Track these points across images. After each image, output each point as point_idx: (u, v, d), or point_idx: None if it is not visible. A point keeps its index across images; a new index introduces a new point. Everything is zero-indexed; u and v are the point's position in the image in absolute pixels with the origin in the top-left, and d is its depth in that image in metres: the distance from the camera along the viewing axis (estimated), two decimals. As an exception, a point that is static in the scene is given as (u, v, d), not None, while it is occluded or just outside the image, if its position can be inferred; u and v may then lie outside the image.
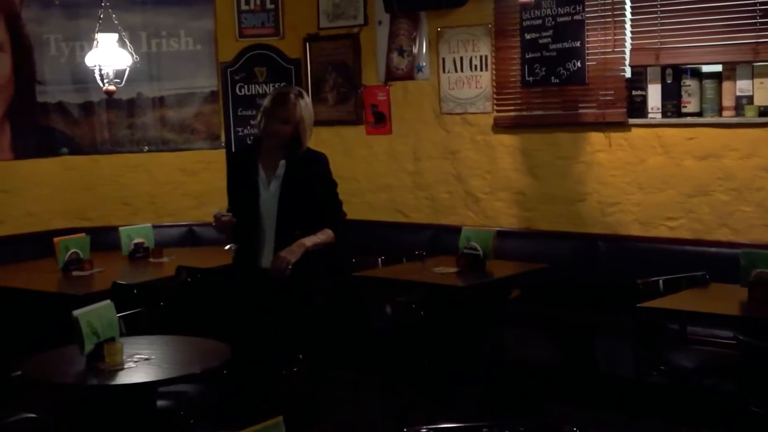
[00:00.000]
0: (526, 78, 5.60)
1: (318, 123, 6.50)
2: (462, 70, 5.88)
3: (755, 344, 3.73)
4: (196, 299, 4.67)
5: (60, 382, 3.31)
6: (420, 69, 6.07)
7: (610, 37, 5.25)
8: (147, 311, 3.97)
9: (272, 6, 6.50)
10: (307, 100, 3.95)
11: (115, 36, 5.20)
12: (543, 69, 5.51)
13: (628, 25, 5.21)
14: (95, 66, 5.17)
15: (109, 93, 5.23)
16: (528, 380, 5.03)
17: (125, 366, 3.28)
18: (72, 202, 6.41)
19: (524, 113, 5.67)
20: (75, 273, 5.11)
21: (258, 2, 6.49)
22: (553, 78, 5.47)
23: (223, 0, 6.46)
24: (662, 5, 5.06)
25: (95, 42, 5.18)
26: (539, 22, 5.50)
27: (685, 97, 5.05)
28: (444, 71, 5.96)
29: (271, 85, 6.50)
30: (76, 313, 3.28)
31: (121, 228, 5.58)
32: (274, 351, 3.86)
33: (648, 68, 5.15)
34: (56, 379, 3.31)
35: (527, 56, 5.58)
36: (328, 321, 5.61)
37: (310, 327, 4.01)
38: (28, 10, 6.18)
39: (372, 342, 5.32)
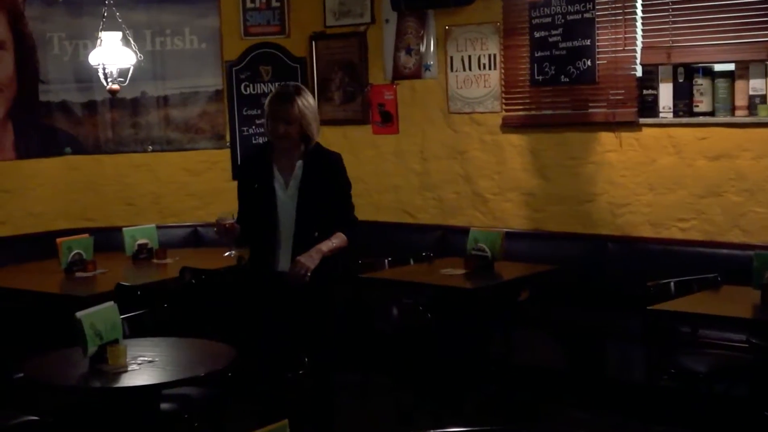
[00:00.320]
0: (536, 77, 5.59)
1: (324, 122, 6.50)
2: (470, 69, 5.88)
3: (768, 348, 3.72)
4: (200, 301, 4.68)
5: (62, 385, 3.32)
6: (427, 68, 6.07)
7: (620, 36, 5.24)
8: (151, 313, 3.98)
9: (278, 4, 6.51)
10: (307, 95, 3.88)
11: (119, 34, 5.22)
12: (552, 68, 5.50)
13: (639, 23, 5.20)
14: (99, 65, 5.19)
15: (112, 92, 5.25)
16: (536, 383, 5.03)
17: (128, 368, 3.28)
18: (75, 202, 6.43)
19: (533, 113, 5.66)
20: (78, 274, 5.12)
21: (263, 0, 6.50)
22: (562, 77, 5.47)
23: (228, -2, 6.48)
24: (674, 3, 5.05)
25: (99, 40, 5.19)
26: (549, 20, 5.49)
27: (697, 97, 5.04)
28: (452, 70, 5.96)
29: (276, 84, 6.50)
30: (79, 314, 3.29)
31: (124, 229, 5.59)
32: (282, 354, 3.85)
33: (659, 67, 5.14)
34: (59, 382, 3.31)
35: (536, 55, 5.57)
36: (337, 324, 5.61)
37: (328, 332, 3.99)
38: (31, 8, 6.19)
39: (378, 344, 5.32)
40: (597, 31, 5.30)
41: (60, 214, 6.34)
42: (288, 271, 3.85)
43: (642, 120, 5.22)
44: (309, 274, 3.82)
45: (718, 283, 4.33)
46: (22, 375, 3.39)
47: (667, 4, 5.07)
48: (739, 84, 4.91)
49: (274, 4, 6.50)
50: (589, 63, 5.35)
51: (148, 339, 3.67)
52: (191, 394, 3.70)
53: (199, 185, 6.50)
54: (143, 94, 6.42)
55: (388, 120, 6.29)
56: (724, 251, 4.95)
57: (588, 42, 5.34)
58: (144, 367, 3.30)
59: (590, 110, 5.41)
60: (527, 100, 5.68)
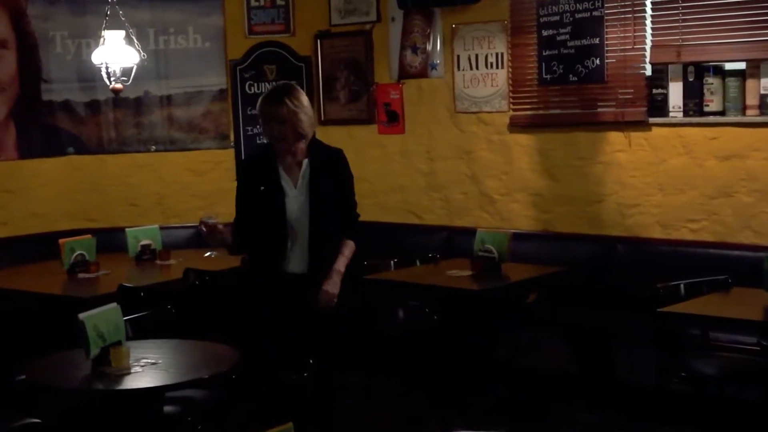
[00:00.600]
0: (544, 76, 5.59)
1: (329, 122, 6.57)
2: (477, 68, 5.87)
3: (780, 350, 3.71)
4: (204, 302, 4.68)
5: (65, 387, 3.32)
6: (434, 67, 6.07)
7: (630, 34, 5.23)
8: (154, 314, 3.99)
9: (283, 2, 6.51)
10: (298, 93, 3.86)
11: (122, 33, 5.22)
12: (561, 67, 5.50)
13: (648, 22, 5.19)
14: (102, 64, 5.19)
15: (115, 91, 5.25)
16: (544, 386, 5.03)
17: (132, 370, 3.28)
18: (78, 202, 6.44)
19: (541, 112, 5.66)
20: (81, 275, 5.13)
21: (268, -2, 6.51)
22: (571, 76, 5.46)
23: (232, -4, 6.49)
24: (684, 0, 5.04)
25: (102, 39, 5.20)
26: (557, 18, 5.49)
27: (707, 96, 5.03)
28: (459, 69, 5.95)
29: (281, 83, 6.51)
30: (81, 316, 3.29)
31: (127, 229, 5.60)
32: (288, 356, 3.85)
33: (669, 66, 5.13)
34: (61, 384, 3.32)
35: (544, 53, 5.57)
36: (341, 326, 5.61)
37: (333, 335, 3.98)
38: (34, 7, 6.21)
39: (384, 347, 5.32)
40: (606, 30, 5.30)
41: (62, 215, 6.36)
42: (318, 301, 3.86)
43: (651, 119, 5.21)
44: (336, 299, 3.89)
45: (728, 285, 4.32)
46: (24, 377, 3.39)
47: (676, 1, 5.06)
48: (750, 83, 4.90)
49: (279, 2, 6.51)
50: (597, 62, 5.35)
51: (151, 341, 3.67)
52: (195, 396, 3.71)
53: (202, 185, 6.51)
54: (146, 94, 6.44)
55: (393, 119, 6.29)
56: (735, 253, 4.94)
57: (597, 40, 5.33)
58: (147, 370, 3.31)
59: (599, 110, 5.41)
60: (535, 100, 5.68)
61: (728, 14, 4.91)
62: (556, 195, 5.63)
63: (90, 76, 6.08)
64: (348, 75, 6.44)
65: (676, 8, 5.07)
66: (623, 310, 4.97)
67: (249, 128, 6.52)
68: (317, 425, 3.96)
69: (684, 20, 5.05)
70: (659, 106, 5.20)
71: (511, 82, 5.75)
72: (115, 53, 5.18)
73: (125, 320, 3.49)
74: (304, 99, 3.87)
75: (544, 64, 5.57)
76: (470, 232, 5.23)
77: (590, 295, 5.21)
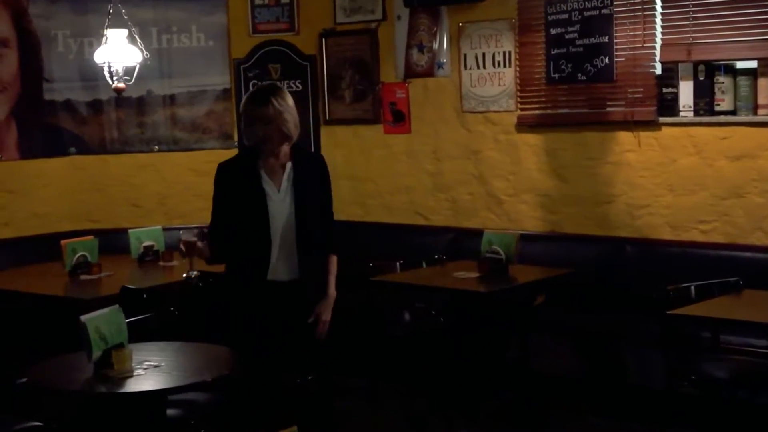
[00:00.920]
0: (552, 75, 5.58)
1: (334, 121, 6.58)
2: (484, 67, 5.87)
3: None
4: (207, 304, 4.69)
5: (67, 390, 3.33)
6: (440, 65, 6.07)
7: (639, 32, 5.23)
8: (157, 316, 3.99)
9: (287, 0, 6.52)
10: (283, 94, 3.79)
11: (124, 32, 5.23)
12: (569, 65, 5.49)
13: (658, 20, 5.18)
14: (104, 63, 5.20)
15: (118, 91, 5.26)
16: (552, 390, 5.02)
17: (134, 373, 3.29)
18: (80, 203, 6.45)
19: (549, 111, 5.65)
20: (83, 277, 5.14)
21: (272, -4, 6.52)
22: (579, 75, 5.46)
23: (236, -6, 6.50)
24: (694, -2, 5.04)
25: (104, 38, 5.21)
26: (565, 16, 5.48)
27: (718, 95, 5.02)
28: (465, 68, 5.95)
29: (285, 82, 6.52)
30: (83, 318, 3.30)
31: (130, 230, 5.60)
32: (288, 360, 3.85)
33: (679, 64, 5.12)
34: (63, 387, 3.32)
35: (552, 52, 5.56)
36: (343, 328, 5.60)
37: (325, 339, 3.95)
38: (35, 6, 6.22)
39: (390, 349, 5.32)
40: (615, 28, 5.29)
41: (64, 216, 6.37)
42: (316, 332, 3.83)
43: (661, 119, 5.21)
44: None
45: (739, 287, 4.31)
46: (25, 380, 3.40)
47: (687, -1, 5.06)
48: (762, 82, 4.89)
49: (283, 0, 6.52)
50: (606, 60, 5.34)
51: (154, 343, 3.67)
52: (198, 399, 3.71)
53: (206, 186, 6.43)
54: (149, 93, 6.45)
55: (399, 119, 6.29)
56: (747, 254, 4.93)
57: (606, 39, 5.33)
58: (150, 372, 3.31)
59: (608, 109, 5.40)
60: (543, 99, 5.67)
61: (739, 12, 4.90)
62: (565, 196, 5.62)
63: (92, 75, 6.08)
64: (353, 74, 6.44)
65: (687, 6, 5.06)
66: (632, 312, 4.96)
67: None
68: (320, 429, 3.95)
69: (694, 18, 5.04)
70: (669, 106, 5.19)
71: (518, 81, 5.75)
72: (118, 52, 5.19)
73: (127, 322, 3.49)
74: (290, 100, 3.79)
75: (552, 62, 5.57)
76: (477, 234, 5.22)
77: (599, 297, 5.21)
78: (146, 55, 5.37)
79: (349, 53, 6.43)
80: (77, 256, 5.17)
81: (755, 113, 4.93)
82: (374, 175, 6.42)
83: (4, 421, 3.69)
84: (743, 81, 4.94)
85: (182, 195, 6.51)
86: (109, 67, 5.19)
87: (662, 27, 5.17)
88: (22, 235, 6.12)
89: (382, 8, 6.27)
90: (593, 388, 4.97)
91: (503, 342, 5.08)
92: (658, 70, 5.22)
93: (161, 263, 5.50)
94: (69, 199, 6.41)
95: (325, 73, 6.54)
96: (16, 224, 6.15)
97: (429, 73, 6.11)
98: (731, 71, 4.99)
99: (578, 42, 5.44)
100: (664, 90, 5.20)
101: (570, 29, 5.47)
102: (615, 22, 5.29)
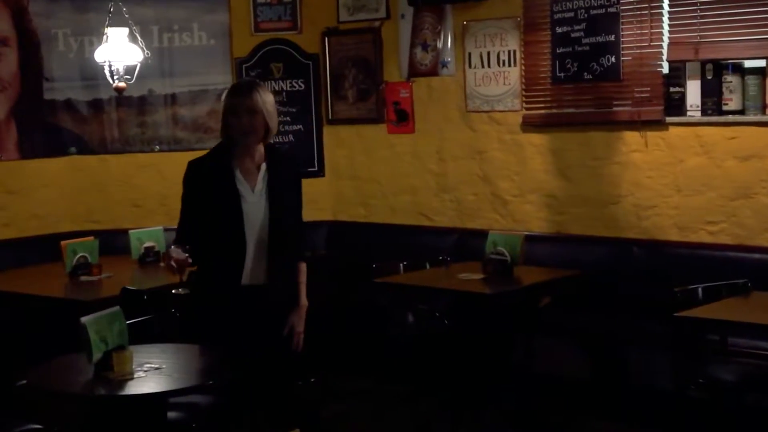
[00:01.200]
0: (557, 74, 5.58)
1: (337, 121, 6.58)
2: (489, 66, 5.87)
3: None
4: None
5: (67, 392, 3.33)
6: (445, 64, 6.07)
7: (646, 31, 5.23)
8: (158, 318, 3.99)
9: (290, -2, 6.53)
10: (265, 89, 3.74)
11: (125, 30, 5.24)
12: (575, 64, 5.49)
13: (665, 18, 5.18)
14: (105, 62, 5.22)
15: (119, 90, 5.27)
16: (559, 393, 5.02)
17: (135, 376, 3.29)
18: (80, 203, 6.46)
19: (555, 111, 5.65)
20: (83, 278, 5.15)
21: (275, -5, 6.53)
22: (585, 74, 5.45)
23: (238, -8, 6.51)
24: (702, -4, 5.04)
25: (105, 37, 5.22)
26: (571, 14, 5.48)
27: (726, 94, 5.01)
28: (470, 67, 5.95)
29: (288, 81, 6.53)
30: (83, 319, 3.30)
31: (131, 231, 5.61)
32: (290, 363, 3.84)
33: (687, 63, 5.12)
34: (63, 389, 3.33)
35: (558, 51, 5.56)
36: (345, 329, 5.61)
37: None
38: (36, 4, 6.23)
39: (394, 351, 5.32)
40: (622, 26, 5.29)
41: (64, 216, 6.38)
42: (291, 342, 3.76)
43: (668, 119, 5.20)
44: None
45: (748, 289, 4.31)
46: (25, 382, 3.40)
47: (695, -3, 5.06)
48: (770, 81, 4.89)
49: (286, -2, 6.53)
50: (613, 59, 5.34)
51: (155, 345, 3.67)
52: (199, 402, 3.71)
53: (207, 186, 6.51)
54: (150, 92, 6.46)
55: (403, 119, 6.29)
56: (755, 256, 4.93)
57: (612, 37, 5.33)
58: (151, 375, 3.31)
59: (614, 108, 5.40)
60: (548, 98, 5.67)
61: (748, 10, 4.90)
62: (570, 196, 5.62)
63: (93, 74, 6.09)
64: (356, 73, 6.45)
65: (694, 4, 5.06)
66: (639, 314, 4.96)
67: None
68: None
69: (702, 16, 5.03)
70: (676, 105, 5.19)
71: (523, 80, 5.75)
72: (119, 51, 5.20)
73: (128, 324, 3.50)
74: (271, 96, 3.75)
75: (557, 61, 5.57)
76: (482, 235, 5.23)
77: (605, 299, 5.21)
78: (147, 53, 5.38)
79: (352, 52, 6.44)
80: (77, 257, 5.18)
81: (763, 113, 4.93)
82: (378, 175, 6.43)
83: (4, 424, 3.69)
84: (751, 80, 4.94)
85: (183, 195, 6.51)
86: (110, 66, 5.20)
87: (669, 25, 5.16)
88: (22, 236, 6.13)
89: (386, 6, 6.27)
90: (599, 391, 4.97)
91: (508, 344, 5.07)
92: (665, 69, 5.22)
93: (162, 264, 5.49)
94: (69, 199, 6.42)
95: (328, 73, 6.54)
96: (17, 225, 6.16)
97: (433, 72, 6.12)
98: (739, 70, 4.99)
99: (584, 40, 5.44)
100: (672, 89, 5.20)
101: (576, 28, 5.47)
102: (621, 20, 5.29)
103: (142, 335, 3.78)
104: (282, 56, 6.54)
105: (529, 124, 5.75)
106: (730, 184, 5.06)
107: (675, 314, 3.99)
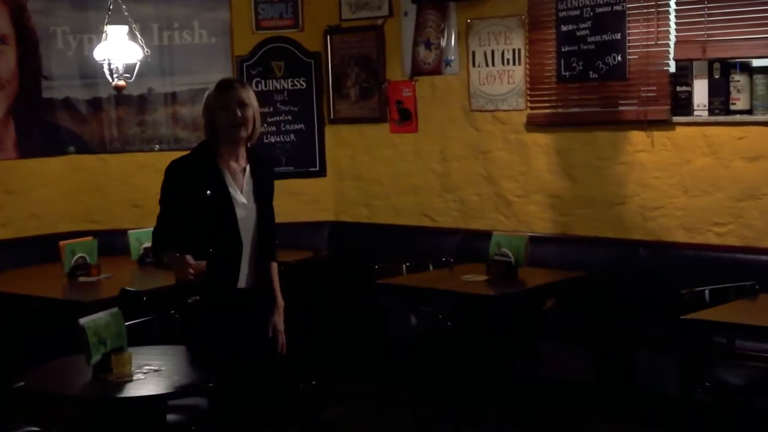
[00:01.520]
0: (562, 73, 5.58)
1: (339, 120, 6.58)
2: (493, 65, 5.87)
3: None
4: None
5: (65, 394, 3.34)
6: (448, 63, 6.07)
7: (653, 29, 5.22)
8: (157, 320, 4.00)
9: (291, -4, 6.53)
10: (250, 87, 3.77)
11: (125, 28, 5.25)
12: (580, 63, 5.49)
13: (672, 16, 5.18)
14: (104, 60, 5.22)
15: (118, 88, 5.28)
16: (564, 397, 5.02)
17: (134, 378, 3.29)
18: (79, 203, 6.47)
19: (560, 110, 5.65)
20: (82, 279, 5.15)
21: (276, -8, 6.53)
22: (591, 73, 5.45)
23: (239, -10, 6.51)
24: (709, -6, 5.03)
25: (104, 35, 5.22)
26: (576, 12, 5.48)
27: (734, 94, 5.01)
28: (474, 65, 5.95)
29: (289, 80, 6.53)
30: (82, 321, 3.31)
31: (130, 231, 5.62)
32: (292, 365, 3.85)
33: (694, 62, 5.11)
34: (61, 391, 3.33)
35: (563, 49, 5.56)
36: (347, 331, 5.61)
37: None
38: (34, 1, 6.24)
39: (396, 354, 5.32)
40: (628, 25, 5.29)
41: (63, 216, 6.39)
42: (278, 344, 3.77)
43: (675, 118, 5.20)
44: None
45: (755, 292, 4.31)
46: (23, 384, 3.41)
47: (702, -5, 5.06)
48: (778, 80, 4.89)
49: (288, -4, 6.53)
50: (619, 58, 5.33)
51: (154, 347, 3.68)
52: (199, 404, 3.71)
53: (208, 186, 6.51)
54: (150, 91, 6.46)
55: (406, 118, 6.29)
56: (763, 257, 4.92)
57: (618, 36, 5.32)
58: (150, 377, 3.32)
59: (620, 108, 5.39)
60: (553, 98, 5.67)
61: (756, 8, 4.89)
62: (576, 197, 5.62)
63: (92, 72, 6.10)
64: (359, 72, 6.45)
65: (702, 2, 5.05)
66: (645, 317, 4.96)
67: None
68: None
69: (710, 15, 5.03)
70: (683, 105, 5.18)
71: (528, 79, 5.75)
72: (118, 49, 5.20)
73: (127, 325, 3.50)
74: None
75: (563, 60, 5.57)
76: (486, 236, 5.23)
77: (611, 301, 5.20)
78: (147, 52, 5.38)
79: (354, 50, 6.44)
80: (76, 257, 5.19)
81: (772, 112, 4.93)
82: (380, 175, 6.43)
83: (2, 426, 3.70)
84: (760, 79, 4.94)
85: (184, 195, 6.51)
86: (109, 64, 5.20)
87: (676, 24, 5.16)
88: (20, 236, 6.14)
89: (389, 4, 6.27)
90: (604, 394, 4.97)
91: (512, 347, 5.07)
92: (672, 68, 5.21)
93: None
94: (68, 199, 6.43)
95: (330, 71, 6.54)
96: (15, 225, 6.17)
97: (436, 70, 6.11)
98: (747, 69, 4.98)
99: (590, 39, 5.44)
100: (678, 88, 5.19)
101: (581, 26, 5.47)
102: (628, 18, 5.29)
103: (142, 337, 3.78)
104: (283, 54, 6.55)
105: (534, 124, 5.75)
106: (737, 185, 5.05)
107: (681, 316, 3.98)
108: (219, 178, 3.65)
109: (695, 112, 5.15)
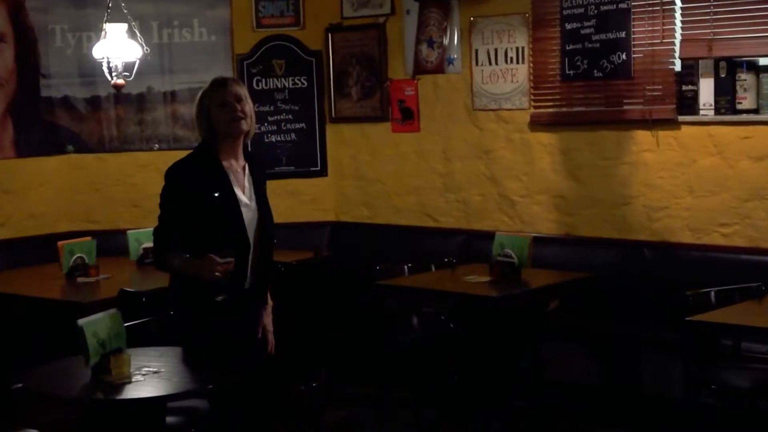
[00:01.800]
0: (567, 71, 5.58)
1: (341, 119, 6.59)
2: (496, 63, 5.87)
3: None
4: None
5: (63, 396, 3.34)
6: (451, 62, 6.07)
7: (658, 27, 5.22)
8: (156, 321, 4.00)
9: (292, -6, 6.54)
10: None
11: (124, 26, 5.25)
12: (585, 62, 5.49)
13: (678, 14, 5.18)
14: (103, 58, 5.22)
15: (117, 87, 5.28)
16: (568, 399, 5.01)
17: (133, 379, 3.30)
18: (78, 203, 6.47)
19: (564, 110, 5.65)
20: (80, 279, 5.16)
21: (277, -10, 6.53)
22: (595, 71, 5.45)
23: (239, -13, 6.51)
24: (715, -8, 5.03)
25: (103, 32, 5.22)
26: (581, 10, 5.48)
27: (740, 93, 5.01)
28: (477, 64, 5.95)
29: (290, 78, 6.53)
30: (81, 322, 3.31)
31: (129, 231, 5.62)
32: (293, 365, 3.85)
33: (700, 61, 5.11)
34: (59, 393, 3.33)
35: (568, 48, 5.56)
36: (349, 333, 5.61)
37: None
38: (33, -1, 6.26)
39: (398, 356, 5.32)
40: (633, 23, 5.28)
41: (62, 216, 6.39)
42: (268, 344, 3.80)
43: (681, 118, 5.20)
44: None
45: (762, 293, 4.31)
46: (21, 385, 3.41)
47: (708, -7, 5.05)
48: (785, 79, 4.89)
49: (288, -6, 6.53)
50: (624, 57, 5.33)
51: (153, 348, 3.68)
52: (198, 406, 3.72)
53: (208, 186, 6.51)
54: (149, 90, 6.46)
55: (408, 117, 6.29)
56: (770, 259, 4.92)
57: (623, 34, 5.32)
58: (149, 378, 3.32)
59: (625, 107, 5.39)
60: (557, 96, 5.67)
61: (762, 7, 4.89)
62: (580, 197, 5.62)
63: (91, 71, 6.10)
64: (360, 70, 6.45)
65: (708, 0, 5.05)
66: (650, 318, 4.96)
67: (256, 126, 6.51)
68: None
69: (716, 13, 5.03)
70: (689, 104, 5.18)
71: (532, 77, 5.75)
72: (117, 47, 5.20)
73: (126, 326, 3.50)
74: None
75: (567, 59, 5.56)
76: (489, 236, 5.22)
77: (615, 302, 5.20)
78: (146, 50, 5.38)
79: (356, 49, 6.44)
80: (75, 257, 5.19)
81: (779, 112, 4.92)
82: (382, 175, 6.43)
83: (0, 428, 3.70)
84: (766, 78, 4.93)
85: (183, 195, 6.51)
86: (108, 62, 5.20)
87: (682, 22, 5.16)
88: (18, 236, 6.15)
89: (391, 2, 6.27)
90: (609, 397, 4.97)
91: (515, 349, 5.07)
92: (678, 67, 5.21)
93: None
94: (66, 198, 6.43)
95: (331, 70, 6.55)
96: (13, 225, 6.18)
97: (439, 69, 6.11)
98: (754, 68, 4.98)
99: (594, 37, 5.43)
100: (684, 87, 5.19)
101: (586, 24, 5.46)
102: (633, 16, 5.28)
103: (141, 338, 3.78)
104: (284, 53, 6.55)
105: (538, 123, 5.75)
106: (743, 185, 5.05)
107: (687, 318, 3.98)
108: (224, 179, 3.65)
109: (701, 112, 5.14)
